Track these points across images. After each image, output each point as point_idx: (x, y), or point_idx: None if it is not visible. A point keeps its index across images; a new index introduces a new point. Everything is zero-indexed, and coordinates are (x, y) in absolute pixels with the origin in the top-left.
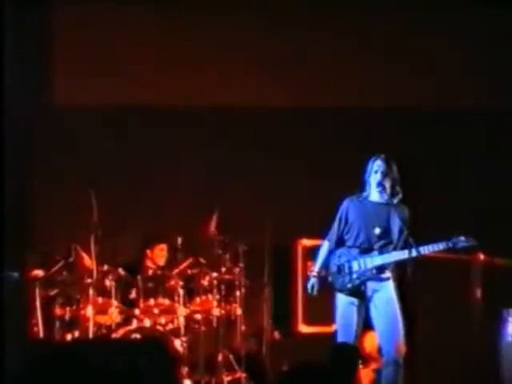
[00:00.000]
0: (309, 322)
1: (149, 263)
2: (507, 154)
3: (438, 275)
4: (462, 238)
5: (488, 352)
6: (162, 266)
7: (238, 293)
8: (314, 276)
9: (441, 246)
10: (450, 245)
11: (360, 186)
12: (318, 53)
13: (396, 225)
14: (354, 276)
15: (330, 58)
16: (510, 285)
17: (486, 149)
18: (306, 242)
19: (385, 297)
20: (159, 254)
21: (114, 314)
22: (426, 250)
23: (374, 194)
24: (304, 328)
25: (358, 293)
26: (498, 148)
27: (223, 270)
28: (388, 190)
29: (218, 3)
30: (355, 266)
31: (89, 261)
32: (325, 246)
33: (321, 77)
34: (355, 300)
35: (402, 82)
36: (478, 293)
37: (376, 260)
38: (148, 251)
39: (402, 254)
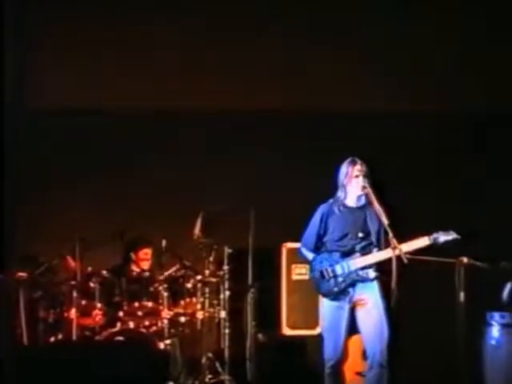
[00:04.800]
0: (293, 324)
1: (133, 267)
2: (490, 156)
3: (422, 278)
4: (441, 232)
5: (472, 355)
6: (146, 270)
7: (222, 296)
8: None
9: (422, 241)
10: (432, 240)
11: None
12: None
13: (375, 225)
14: (340, 279)
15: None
16: (493, 288)
17: (467, 151)
18: (291, 245)
19: (371, 299)
20: (144, 258)
21: (97, 317)
22: (407, 247)
23: (351, 198)
24: (288, 331)
25: (344, 296)
26: (481, 150)
27: (207, 272)
28: (369, 194)
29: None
30: (339, 269)
31: (73, 263)
32: (305, 250)
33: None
34: (341, 303)
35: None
36: (462, 296)
37: (359, 261)
38: (132, 255)
39: (385, 254)
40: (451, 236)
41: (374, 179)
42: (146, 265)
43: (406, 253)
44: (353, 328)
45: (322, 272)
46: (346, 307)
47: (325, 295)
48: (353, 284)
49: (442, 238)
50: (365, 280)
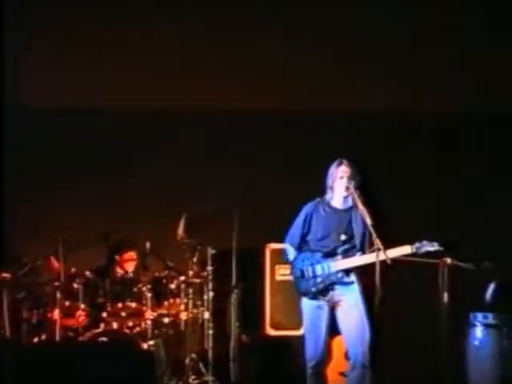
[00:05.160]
0: (276, 325)
1: (118, 269)
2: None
3: (405, 279)
4: (425, 243)
5: (455, 355)
6: (130, 272)
7: (205, 296)
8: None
9: (404, 250)
10: (414, 249)
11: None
12: (295, 56)
13: (359, 229)
14: (318, 280)
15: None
16: (477, 288)
17: (448, 151)
18: (274, 246)
19: (351, 301)
20: (128, 260)
21: (81, 317)
22: (389, 254)
23: (337, 199)
24: (272, 331)
25: (325, 297)
26: (460, 150)
27: (191, 273)
28: (353, 196)
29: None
30: (319, 269)
31: (56, 264)
32: (291, 249)
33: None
34: (322, 304)
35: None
36: (445, 296)
37: (340, 264)
38: (117, 257)
39: (366, 259)
40: (433, 247)
41: (366, 180)
42: (130, 266)
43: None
44: (337, 329)
45: (302, 271)
46: (326, 307)
47: (302, 294)
48: (332, 285)
49: (424, 248)
50: (344, 283)
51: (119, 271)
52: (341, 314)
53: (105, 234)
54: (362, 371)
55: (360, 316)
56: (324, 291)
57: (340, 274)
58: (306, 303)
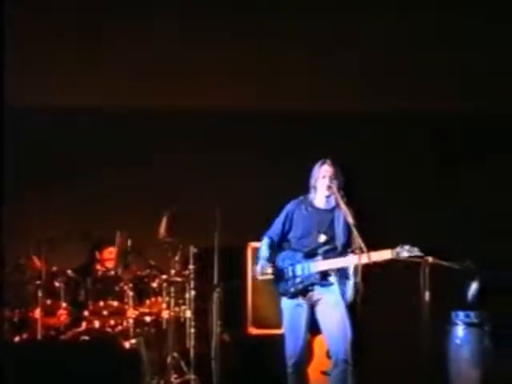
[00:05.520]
0: (259, 324)
1: (98, 266)
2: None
3: (387, 277)
4: (406, 247)
5: (436, 354)
6: (110, 269)
7: (187, 295)
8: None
9: (385, 254)
10: (394, 254)
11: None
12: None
13: (341, 230)
14: (298, 280)
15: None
16: (459, 287)
17: (431, 151)
18: (256, 245)
19: (331, 300)
20: (108, 257)
21: (62, 316)
22: (370, 257)
23: (320, 199)
24: (254, 330)
25: (304, 297)
26: (442, 150)
27: (173, 272)
28: (335, 195)
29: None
30: (299, 270)
31: (38, 262)
32: (266, 240)
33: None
34: (302, 303)
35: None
36: (427, 295)
37: (320, 265)
38: (97, 254)
39: (346, 260)
40: (414, 253)
41: (352, 180)
42: (110, 263)
43: (367, 263)
44: (318, 328)
45: (282, 270)
46: (305, 305)
47: (281, 294)
48: (311, 286)
49: (405, 253)
50: (322, 285)
51: (100, 268)
52: (321, 313)
53: (84, 232)
54: (344, 367)
55: (341, 315)
56: (303, 291)
57: (319, 275)
58: (286, 302)
